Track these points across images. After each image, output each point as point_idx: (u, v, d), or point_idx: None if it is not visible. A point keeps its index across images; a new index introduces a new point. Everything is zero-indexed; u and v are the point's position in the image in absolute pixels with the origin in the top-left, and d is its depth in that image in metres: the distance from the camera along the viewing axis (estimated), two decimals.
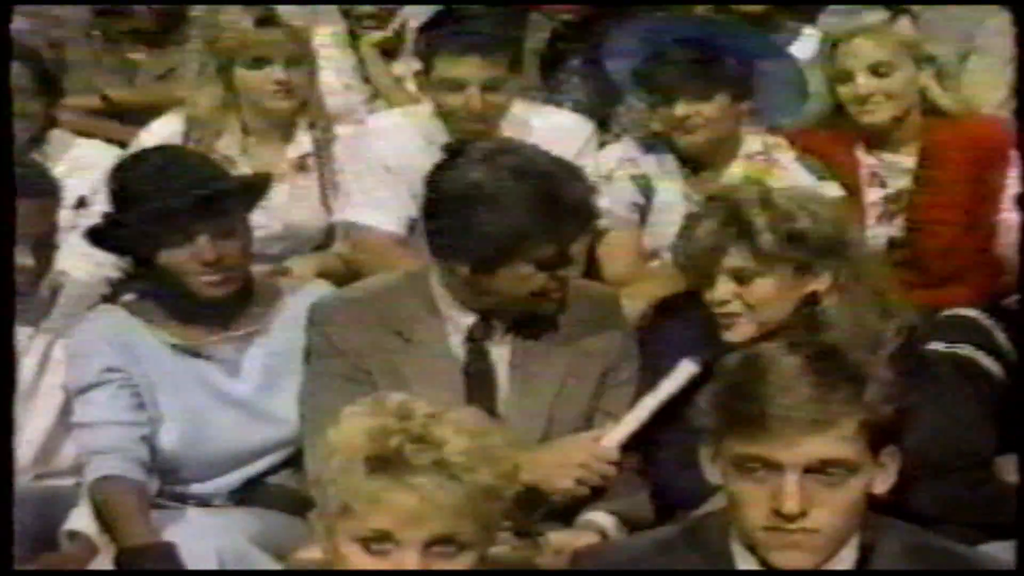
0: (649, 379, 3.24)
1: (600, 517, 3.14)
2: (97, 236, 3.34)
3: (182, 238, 3.22)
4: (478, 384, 3.21)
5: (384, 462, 2.27)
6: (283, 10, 4.18)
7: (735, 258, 3.13)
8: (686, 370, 3.15)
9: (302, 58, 4.18)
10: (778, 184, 3.94)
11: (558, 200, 3.08)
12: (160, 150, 3.53)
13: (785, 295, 3.14)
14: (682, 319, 3.30)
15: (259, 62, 4.14)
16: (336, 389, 3.16)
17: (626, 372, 3.27)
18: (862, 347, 2.49)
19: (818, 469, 2.31)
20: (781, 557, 2.34)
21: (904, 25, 4.16)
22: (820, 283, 3.14)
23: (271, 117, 4.21)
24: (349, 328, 3.24)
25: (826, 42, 4.21)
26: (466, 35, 4.00)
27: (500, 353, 3.23)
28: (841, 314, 3.09)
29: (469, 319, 3.22)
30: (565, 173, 3.14)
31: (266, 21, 4.13)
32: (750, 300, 3.14)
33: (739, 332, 3.14)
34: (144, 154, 3.49)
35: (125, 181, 3.32)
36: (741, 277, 3.13)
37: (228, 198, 3.30)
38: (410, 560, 2.27)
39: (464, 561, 2.30)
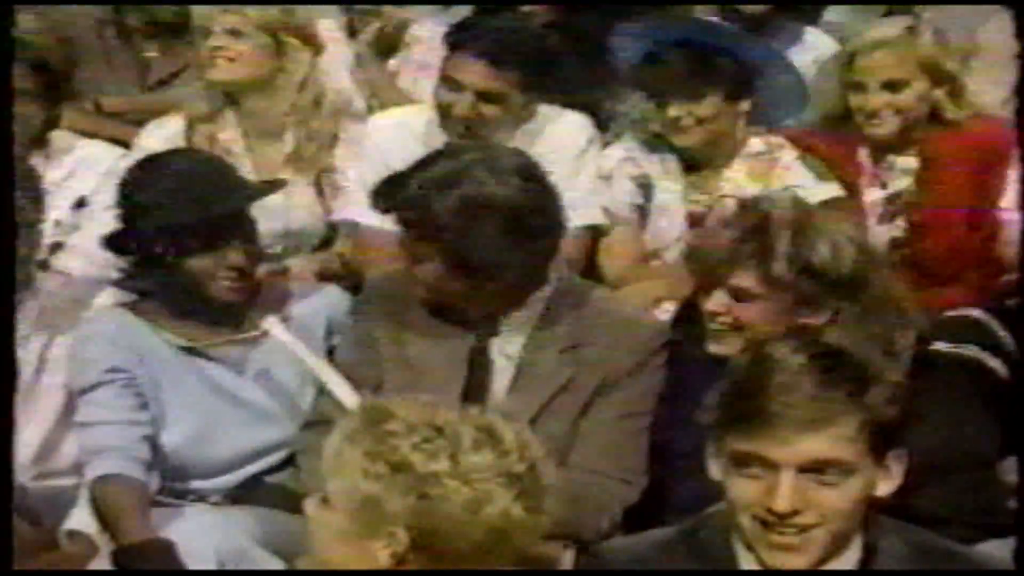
0: (672, 390, 3.21)
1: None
2: (115, 242, 3.33)
3: (212, 245, 3.23)
4: (473, 378, 3.21)
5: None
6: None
7: (741, 278, 3.07)
8: None
9: (242, 29, 4.13)
10: (779, 184, 3.98)
11: None
12: (172, 156, 3.52)
13: (776, 320, 3.05)
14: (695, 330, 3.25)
15: (205, 35, 4.17)
16: (349, 347, 3.30)
17: (618, 395, 3.19)
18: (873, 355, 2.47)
19: (814, 469, 2.30)
20: (774, 558, 2.35)
21: (926, 39, 4.12)
22: (817, 318, 3.06)
23: (221, 88, 4.19)
24: (386, 299, 3.30)
25: (845, 50, 4.19)
26: (485, 41, 3.94)
27: (510, 351, 3.22)
28: (840, 340, 3.05)
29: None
30: None
31: None
32: (741, 318, 3.08)
33: (724, 347, 3.09)
34: (157, 161, 3.44)
35: (143, 190, 3.30)
36: (740, 296, 3.09)
37: (250, 204, 3.32)
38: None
39: None
